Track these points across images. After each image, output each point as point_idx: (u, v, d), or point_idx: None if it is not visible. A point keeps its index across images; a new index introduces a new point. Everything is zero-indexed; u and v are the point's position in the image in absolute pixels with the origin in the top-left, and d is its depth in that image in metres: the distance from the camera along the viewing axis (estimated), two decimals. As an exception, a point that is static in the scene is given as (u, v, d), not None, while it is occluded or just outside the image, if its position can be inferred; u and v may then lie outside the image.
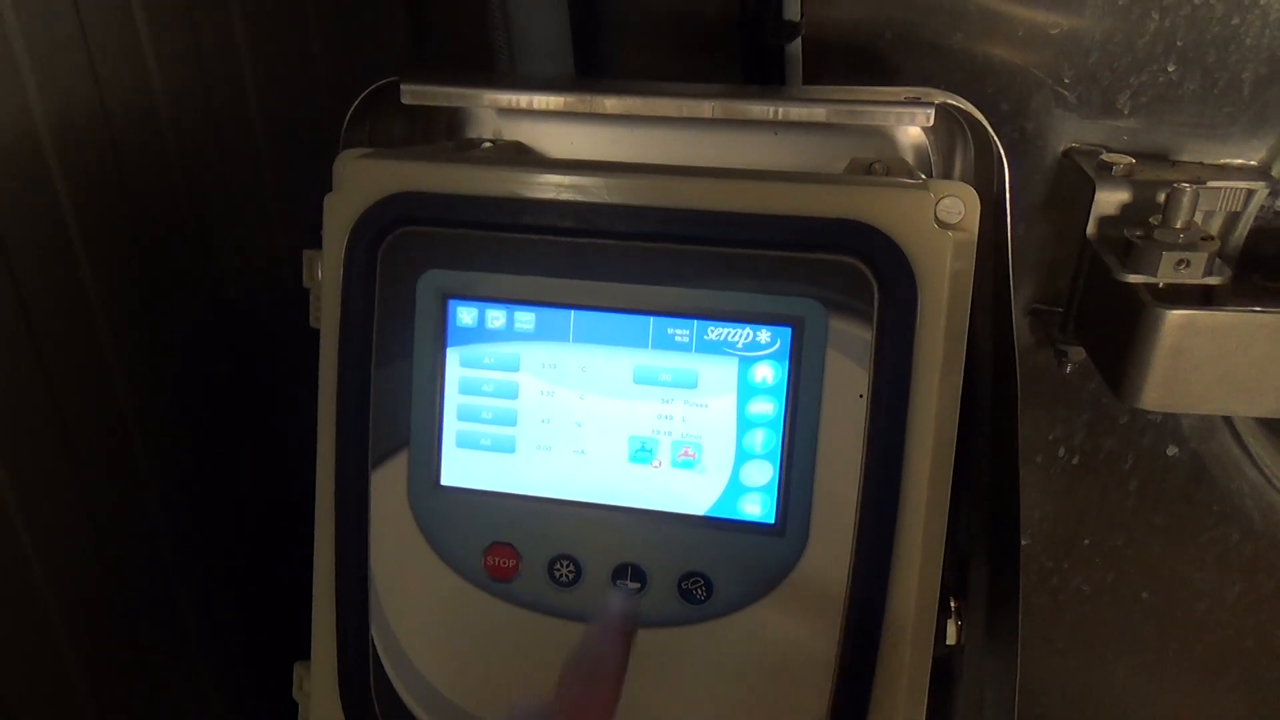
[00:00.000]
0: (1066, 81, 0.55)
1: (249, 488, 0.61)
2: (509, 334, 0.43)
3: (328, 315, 0.45)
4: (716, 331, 0.41)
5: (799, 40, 0.57)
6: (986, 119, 0.45)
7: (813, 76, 0.59)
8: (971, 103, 0.45)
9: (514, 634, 0.44)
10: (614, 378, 0.42)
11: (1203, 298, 0.50)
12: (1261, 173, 0.54)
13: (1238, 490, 0.63)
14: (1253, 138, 0.54)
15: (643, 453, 0.43)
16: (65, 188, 0.45)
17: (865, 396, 0.40)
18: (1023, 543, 0.66)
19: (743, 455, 0.42)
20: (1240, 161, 0.55)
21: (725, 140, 0.51)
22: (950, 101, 0.45)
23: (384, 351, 0.44)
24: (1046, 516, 0.67)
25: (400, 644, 0.45)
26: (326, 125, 0.60)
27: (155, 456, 0.53)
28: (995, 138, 0.44)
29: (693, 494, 0.42)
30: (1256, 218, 0.55)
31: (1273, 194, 0.55)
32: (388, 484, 0.44)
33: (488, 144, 0.52)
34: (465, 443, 0.44)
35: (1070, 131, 0.56)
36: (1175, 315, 0.48)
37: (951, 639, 0.49)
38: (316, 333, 0.46)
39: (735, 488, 0.42)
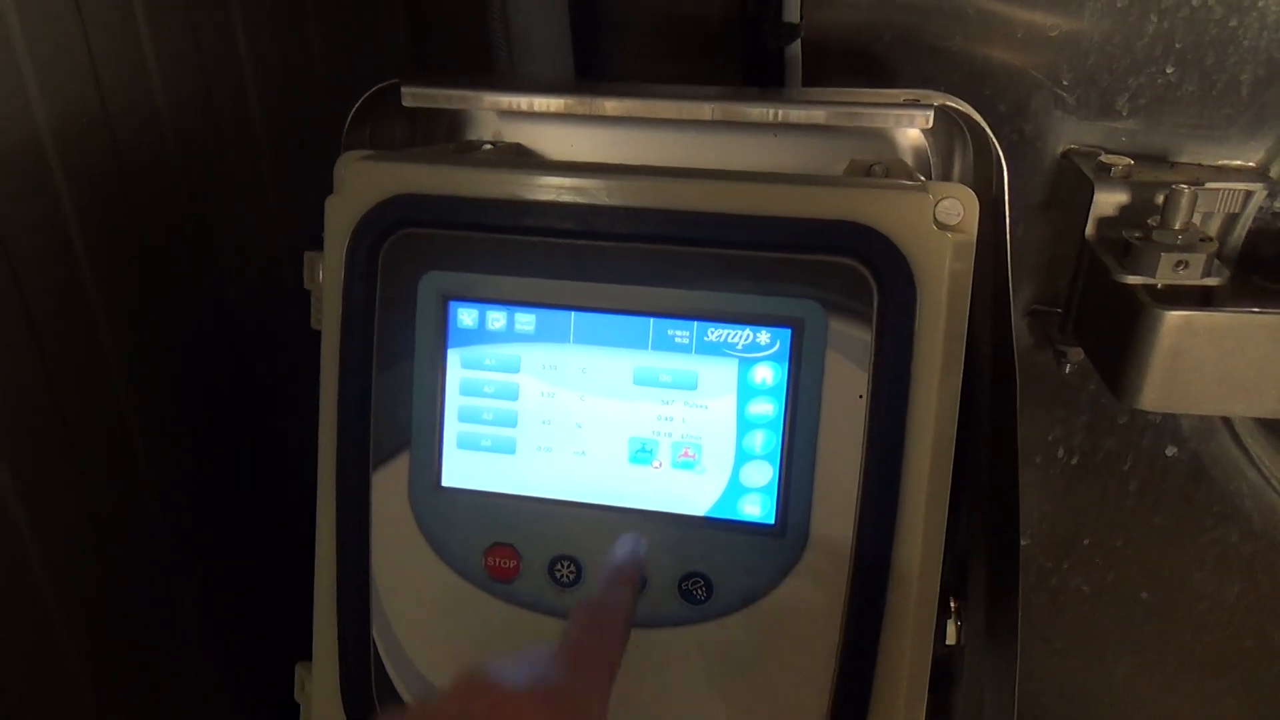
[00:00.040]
0: (1065, 83, 0.55)
1: (250, 489, 0.61)
2: (510, 335, 0.43)
3: (329, 317, 0.45)
4: (716, 333, 0.41)
5: (798, 42, 0.58)
6: (985, 121, 0.45)
7: (812, 79, 0.59)
8: (970, 105, 0.45)
9: (515, 634, 0.44)
10: (614, 379, 0.42)
11: (1202, 299, 0.50)
12: (1260, 174, 0.54)
13: (1237, 491, 0.63)
14: (1251, 139, 0.54)
15: (643, 453, 0.43)
16: (66, 189, 0.46)
17: (865, 397, 0.40)
18: (1022, 543, 0.66)
19: (743, 456, 0.42)
20: (1238, 163, 0.55)
21: (725, 142, 0.51)
22: (949, 103, 0.45)
23: (385, 353, 0.44)
24: (1046, 517, 0.67)
25: (401, 644, 0.46)
26: (327, 127, 0.60)
27: (156, 457, 0.53)
28: (994, 139, 0.45)
29: (693, 495, 0.42)
30: (1255, 219, 0.55)
31: (1271, 195, 0.55)
32: (389, 485, 0.45)
33: (488, 146, 0.52)
34: (466, 444, 0.44)
35: (1069, 133, 0.57)
36: (1174, 316, 0.48)
37: (951, 639, 0.49)
38: (318, 334, 0.46)
39: (735, 488, 0.42)
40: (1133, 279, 0.50)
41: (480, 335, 0.44)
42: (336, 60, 0.64)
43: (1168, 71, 0.54)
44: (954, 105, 0.45)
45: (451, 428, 0.44)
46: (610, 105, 0.48)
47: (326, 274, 0.45)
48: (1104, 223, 0.53)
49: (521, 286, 0.43)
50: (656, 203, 0.41)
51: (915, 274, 0.39)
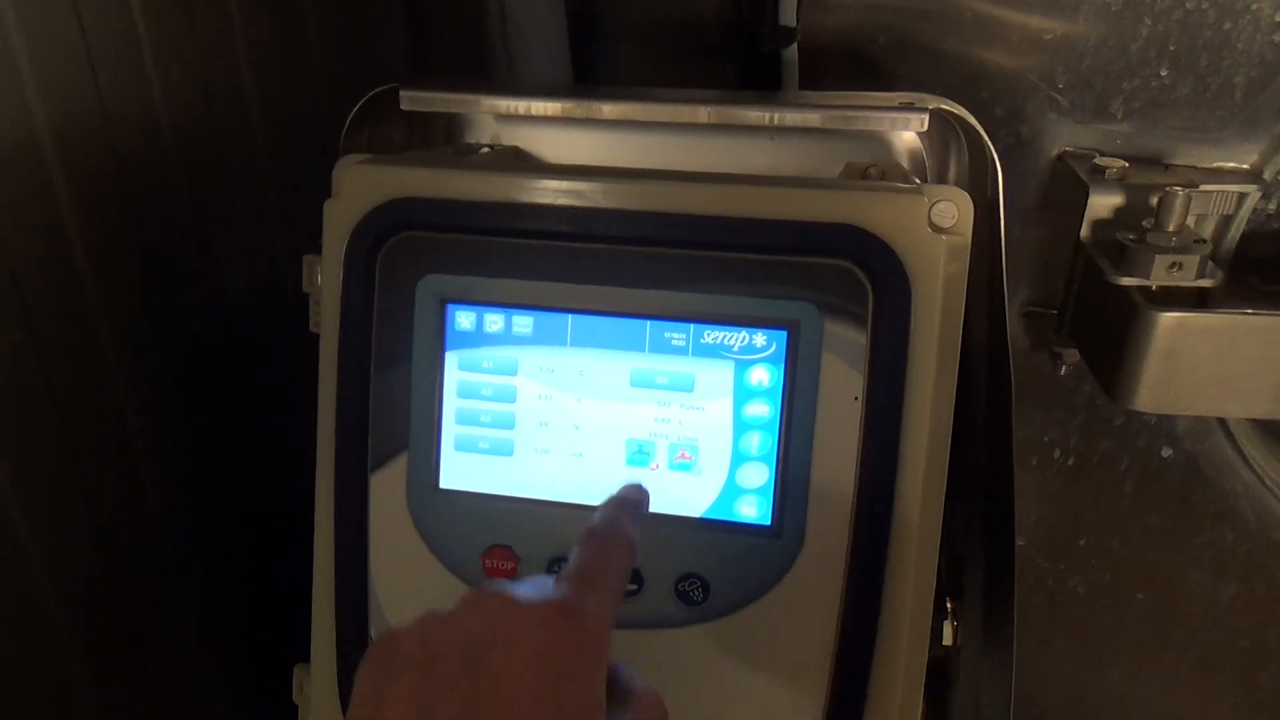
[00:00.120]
0: (1060, 86, 0.56)
1: (249, 490, 0.62)
2: (507, 338, 0.43)
3: (327, 320, 0.45)
4: (713, 335, 0.42)
5: (795, 46, 0.58)
6: (981, 123, 0.45)
7: (809, 82, 0.59)
8: (966, 107, 0.46)
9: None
10: (611, 381, 0.43)
11: (1196, 300, 0.50)
12: (1254, 176, 0.55)
13: (1232, 491, 0.63)
14: (1245, 141, 0.54)
15: (640, 455, 0.43)
16: (66, 192, 0.46)
17: (860, 399, 0.40)
18: (1019, 544, 0.66)
19: (739, 458, 0.42)
20: (1233, 165, 0.55)
21: (722, 145, 0.51)
22: (944, 106, 0.45)
23: (383, 355, 0.44)
24: (1042, 518, 0.67)
25: (400, 646, 0.46)
26: (326, 129, 0.60)
27: (156, 459, 0.53)
28: (989, 142, 0.45)
29: (689, 496, 0.43)
30: (1251, 220, 0.55)
31: (1265, 197, 0.56)
32: (387, 487, 0.45)
33: (486, 149, 0.53)
34: (464, 446, 0.44)
35: (1064, 136, 0.57)
36: (1168, 318, 0.48)
37: (948, 640, 0.49)
38: (316, 337, 0.47)
39: (731, 490, 0.42)
40: (1127, 280, 0.50)
41: (478, 338, 0.44)
42: (335, 63, 0.64)
43: (1162, 74, 0.54)
44: (949, 108, 0.45)
45: (449, 430, 0.44)
46: (607, 109, 0.48)
47: (325, 277, 0.45)
48: (1099, 225, 0.53)
49: (519, 289, 0.43)
50: (653, 206, 0.42)
51: (910, 276, 0.40)
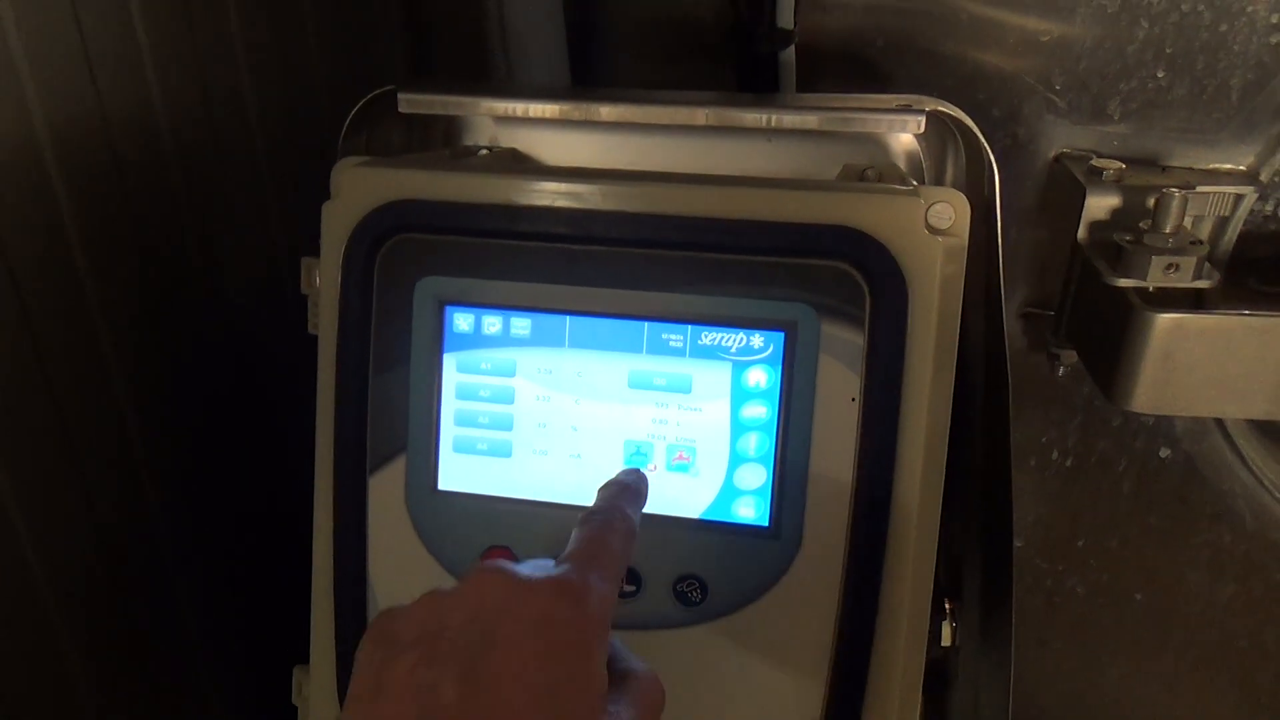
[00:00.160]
0: (1057, 88, 0.56)
1: (249, 491, 0.62)
2: (505, 340, 0.44)
3: (326, 322, 0.45)
4: (710, 336, 0.42)
5: (792, 48, 0.58)
6: (978, 125, 0.45)
7: (806, 83, 0.59)
8: (964, 109, 0.46)
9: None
10: (609, 382, 0.43)
11: (1193, 301, 0.51)
12: (1250, 178, 0.55)
13: (1230, 491, 0.63)
14: (1241, 143, 0.55)
15: (638, 456, 0.43)
16: (65, 194, 0.46)
17: (857, 400, 0.41)
18: (1017, 545, 0.67)
19: (736, 459, 0.42)
20: (1229, 166, 0.55)
21: (719, 147, 0.51)
22: (941, 108, 0.45)
23: (381, 357, 0.44)
24: (1041, 519, 0.67)
25: (398, 647, 0.46)
26: (325, 132, 0.61)
27: (156, 460, 0.53)
28: (985, 144, 0.45)
29: (687, 497, 0.43)
30: (1247, 222, 0.56)
31: (1262, 198, 0.56)
32: (385, 489, 0.45)
33: (484, 151, 0.53)
34: (462, 447, 0.44)
35: (1061, 137, 0.57)
36: (1165, 319, 0.48)
37: (946, 640, 0.49)
38: (315, 339, 0.47)
39: (729, 491, 0.43)
40: (1124, 282, 0.50)
41: (476, 340, 0.44)
42: (334, 65, 0.64)
43: (1158, 76, 0.54)
44: (945, 110, 0.45)
45: (447, 431, 0.44)
46: (605, 111, 0.48)
47: (323, 279, 0.45)
48: (1096, 226, 0.54)
49: (517, 291, 0.43)
50: (651, 208, 0.42)
51: (907, 277, 0.40)
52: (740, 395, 0.42)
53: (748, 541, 0.42)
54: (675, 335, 0.42)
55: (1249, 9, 0.52)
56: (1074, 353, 0.58)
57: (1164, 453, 0.63)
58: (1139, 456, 0.64)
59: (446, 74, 0.70)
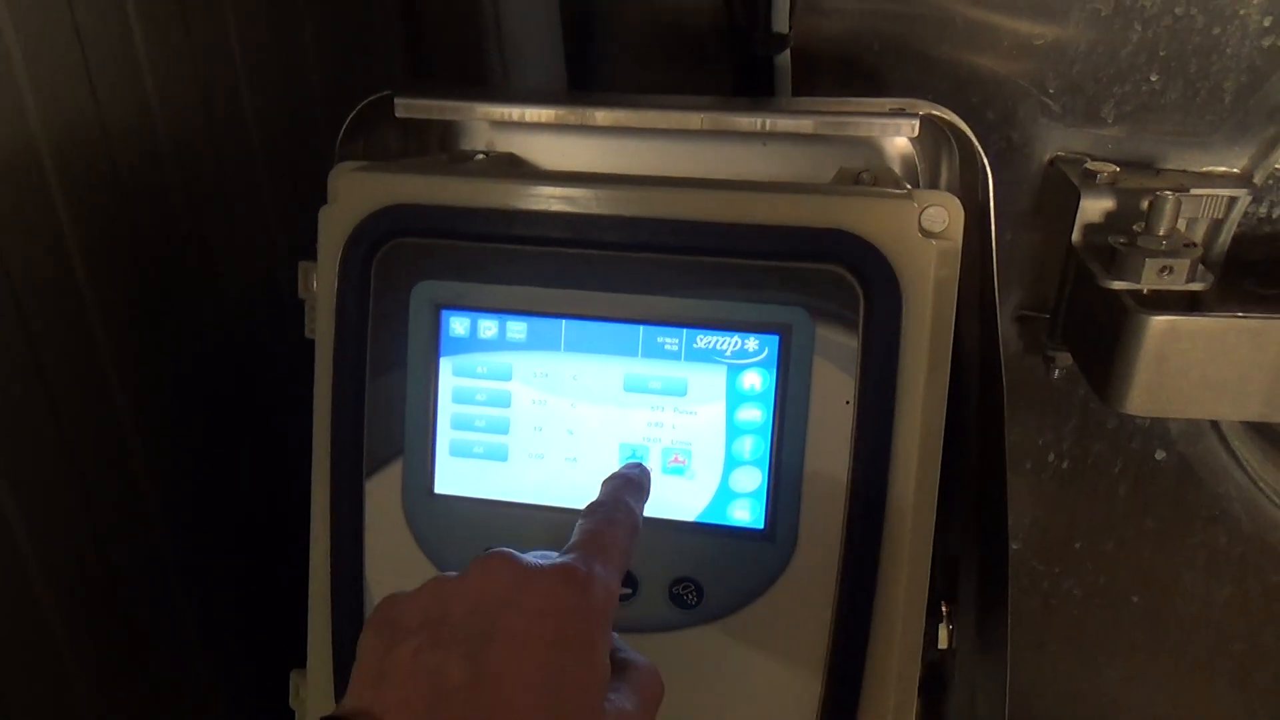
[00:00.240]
0: (1051, 91, 0.56)
1: (247, 495, 0.62)
2: (501, 343, 0.44)
3: (323, 326, 0.45)
4: (705, 340, 0.42)
5: (788, 52, 0.58)
6: (972, 128, 0.46)
7: (802, 87, 0.60)
8: (959, 112, 0.46)
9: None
10: (605, 386, 0.43)
11: (1187, 304, 0.51)
12: (1244, 180, 0.55)
13: (1225, 493, 0.63)
14: (1235, 145, 0.55)
15: (634, 459, 0.43)
16: (63, 199, 0.46)
17: (852, 403, 0.41)
18: (1014, 547, 0.67)
19: (732, 462, 0.42)
20: (1223, 169, 0.55)
21: (715, 151, 0.51)
22: (935, 112, 0.46)
23: (378, 361, 0.44)
24: (1037, 521, 0.67)
25: (395, 650, 0.46)
26: (322, 136, 0.61)
27: (154, 464, 0.53)
28: (979, 147, 0.45)
29: (683, 500, 0.43)
30: (1242, 224, 0.56)
31: (1256, 201, 0.56)
32: (382, 492, 0.45)
33: (481, 156, 0.53)
34: (459, 451, 0.45)
35: (1056, 140, 0.57)
36: (1159, 321, 0.48)
37: (943, 643, 0.49)
38: (312, 343, 0.47)
39: (725, 494, 0.43)
40: (1118, 284, 0.50)
41: (472, 343, 0.44)
42: (331, 70, 0.64)
43: (1152, 79, 0.54)
44: (939, 114, 0.46)
45: (444, 435, 0.45)
46: (601, 115, 0.49)
47: (320, 283, 0.45)
48: (1090, 229, 0.54)
49: (513, 295, 0.43)
50: (647, 212, 0.42)
51: (901, 281, 0.40)
52: (735, 398, 0.42)
53: (743, 544, 0.42)
54: (670, 339, 0.42)
55: (1241, 12, 0.52)
56: (1069, 355, 0.58)
57: (1159, 455, 0.63)
58: (1134, 459, 0.64)
59: (443, 78, 0.70)
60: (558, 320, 0.43)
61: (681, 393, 0.42)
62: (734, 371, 0.42)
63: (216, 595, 0.60)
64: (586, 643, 0.30)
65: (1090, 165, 0.55)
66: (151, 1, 0.50)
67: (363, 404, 0.45)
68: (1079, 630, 0.70)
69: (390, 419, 0.44)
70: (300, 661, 0.49)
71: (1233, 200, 0.54)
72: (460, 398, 0.44)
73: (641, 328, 0.42)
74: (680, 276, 0.42)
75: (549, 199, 0.42)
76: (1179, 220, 0.50)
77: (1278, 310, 0.49)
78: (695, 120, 0.48)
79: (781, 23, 0.57)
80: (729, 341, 0.42)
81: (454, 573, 0.32)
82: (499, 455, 0.44)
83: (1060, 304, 0.58)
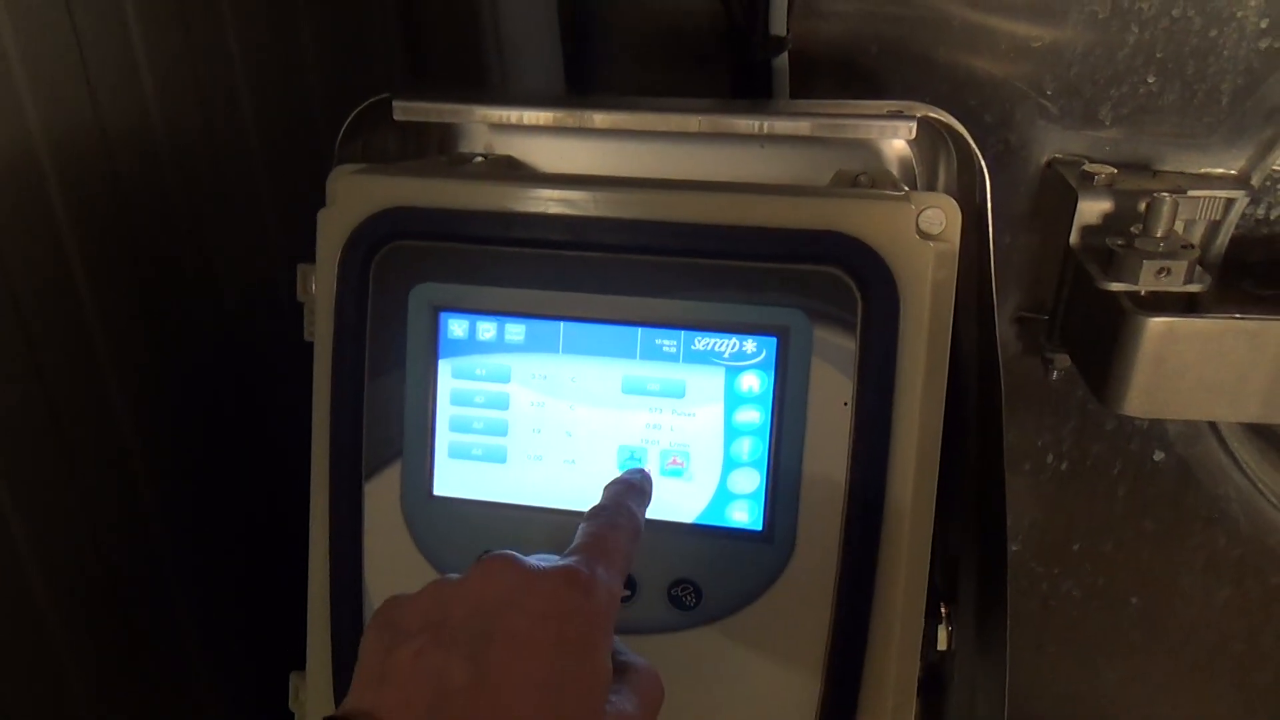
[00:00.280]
0: (1049, 93, 0.56)
1: (246, 498, 0.62)
2: (500, 346, 0.44)
3: (321, 328, 0.46)
4: (703, 342, 0.42)
5: (785, 54, 0.58)
6: (970, 131, 0.46)
7: (800, 90, 0.60)
8: (956, 115, 0.46)
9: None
10: (603, 388, 0.43)
11: (1185, 305, 0.51)
12: (1241, 182, 0.55)
13: (1224, 495, 0.63)
14: (1232, 147, 0.55)
15: (632, 461, 0.43)
16: (62, 203, 0.46)
17: (850, 404, 0.41)
18: (1013, 549, 0.67)
19: (730, 463, 0.42)
20: (1220, 171, 0.56)
21: (713, 154, 0.51)
22: (932, 114, 0.46)
23: (377, 364, 0.44)
24: (1036, 522, 0.67)
25: (394, 653, 0.46)
26: (321, 139, 0.61)
27: (153, 467, 0.53)
28: (976, 149, 0.45)
29: (681, 502, 0.43)
30: (1240, 225, 0.56)
31: (1254, 202, 0.56)
32: (381, 495, 0.45)
33: (479, 159, 0.53)
34: (457, 453, 0.45)
35: (1053, 142, 0.57)
36: (1156, 323, 0.48)
37: (942, 645, 0.49)
38: (311, 345, 0.47)
39: (723, 495, 0.43)
40: (1116, 286, 0.50)
41: (471, 346, 0.44)
42: (330, 73, 0.64)
43: (1149, 81, 0.55)
44: (936, 116, 0.46)
45: (443, 437, 0.45)
46: (599, 118, 0.49)
47: (319, 286, 0.46)
48: (1088, 231, 0.54)
49: (511, 297, 0.43)
50: (645, 214, 0.42)
51: (898, 282, 0.40)
52: (733, 400, 0.42)
53: (742, 545, 0.42)
54: (669, 341, 0.42)
55: (1238, 14, 0.52)
56: (1067, 357, 0.58)
57: (1158, 456, 0.63)
58: (1133, 460, 0.64)
59: (442, 81, 0.70)
60: (556, 322, 0.43)
61: (680, 395, 0.42)
62: (732, 373, 0.42)
63: (216, 597, 0.60)
64: (588, 645, 0.30)
65: (1088, 167, 0.55)
66: (150, 4, 0.50)
67: (361, 406, 0.45)
68: (1078, 631, 0.70)
69: (389, 421, 0.45)
70: (300, 663, 0.49)
71: (1230, 202, 0.54)
72: (459, 400, 0.44)
73: (640, 330, 0.42)
74: (678, 279, 0.42)
75: (547, 201, 0.43)
76: (1176, 222, 0.50)
77: (1275, 311, 0.49)
78: (693, 123, 0.48)
79: (779, 25, 0.58)
80: (727, 343, 0.42)
81: (455, 575, 0.32)
82: (498, 457, 0.44)
83: (1058, 306, 0.58)
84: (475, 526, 0.45)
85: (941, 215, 0.41)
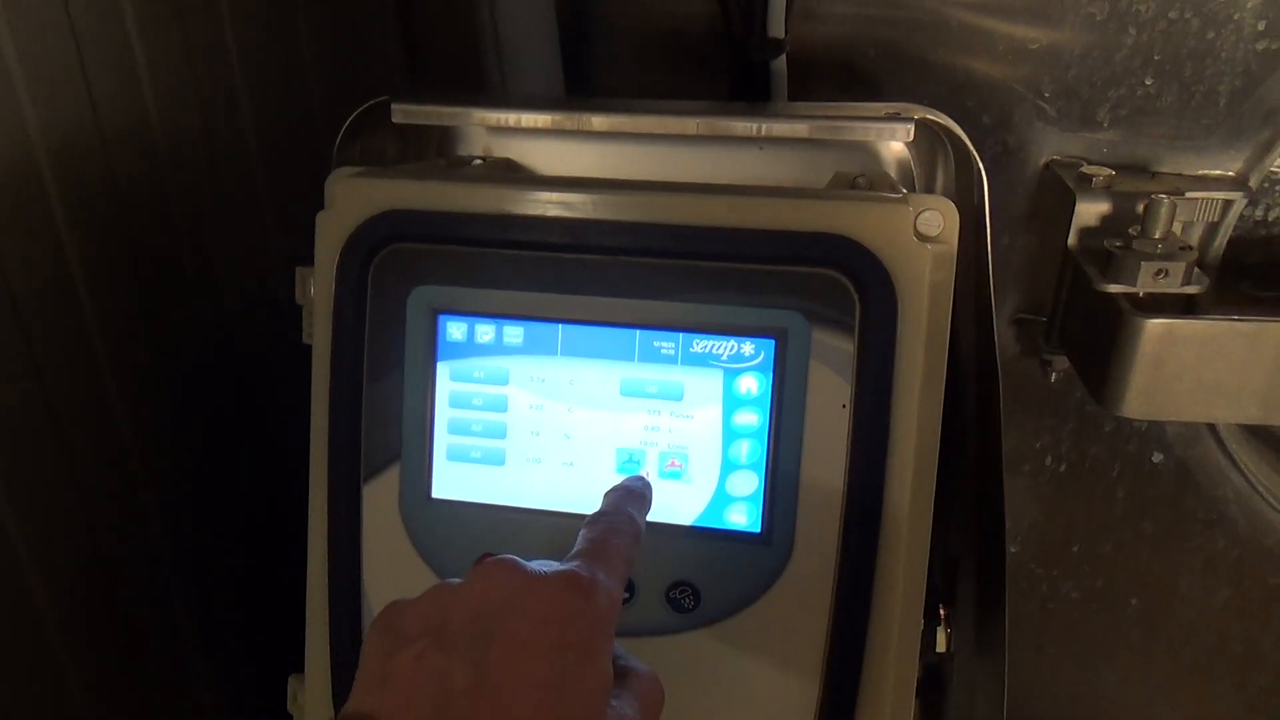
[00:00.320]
0: (1047, 95, 0.56)
1: (245, 501, 0.62)
2: (498, 348, 0.44)
3: (320, 331, 0.46)
4: (702, 344, 0.42)
5: (783, 57, 0.58)
6: (968, 133, 0.46)
7: (799, 92, 0.60)
8: (954, 117, 0.46)
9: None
10: (601, 390, 0.43)
11: (1183, 307, 0.51)
12: (1239, 183, 0.55)
13: (1223, 496, 0.63)
14: (1229, 149, 0.55)
15: (630, 464, 0.43)
16: (61, 207, 0.46)
17: (848, 406, 0.41)
18: (1012, 550, 0.67)
19: (728, 466, 0.42)
20: (1218, 172, 0.56)
21: (711, 156, 0.51)
22: (930, 117, 0.46)
23: (375, 366, 0.44)
24: (1035, 524, 0.67)
25: (393, 655, 0.46)
26: (321, 142, 0.61)
27: (152, 470, 0.53)
28: (974, 151, 0.45)
29: (680, 504, 0.43)
30: (1238, 227, 0.56)
31: (1252, 204, 0.56)
32: (380, 497, 0.45)
33: (478, 161, 0.53)
34: (456, 456, 0.45)
35: (1051, 144, 0.57)
36: (1154, 324, 0.48)
37: (941, 646, 0.49)
38: (309, 348, 0.47)
39: (721, 498, 0.43)
40: (1114, 288, 0.50)
41: (469, 348, 0.44)
42: (330, 76, 0.65)
43: (1147, 83, 0.55)
44: (934, 118, 0.46)
45: (441, 440, 0.45)
46: (597, 121, 0.49)
47: (317, 289, 0.46)
48: (1086, 232, 0.54)
49: (510, 300, 0.43)
50: (643, 217, 0.42)
51: (896, 285, 0.40)
52: (732, 402, 0.42)
53: (740, 548, 0.42)
54: (667, 343, 0.42)
55: (1236, 16, 0.52)
56: (1066, 358, 0.58)
57: (1157, 458, 0.63)
58: (1132, 461, 0.64)
59: (441, 83, 0.70)
60: (554, 325, 0.43)
61: (678, 397, 0.42)
62: (730, 376, 0.42)
63: (215, 599, 0.60)
64: (590, 649, 0.30)
65: (1086, 169, 0.55)
66: (149, 7, 0.50)
67: (360, 409, 0.45)
68: (1077, 633, 0.70)
69: (387, 424, 0.45)
70: (298, 666, 0.49)
71: (1228, 203, 0.54)
72: (457, 402, 0.44)
73: (638, 332, 0.42)
74: (676, 281, 0.42)
75: (546, 204, 0.43)
76: (1174, 223, 0.50)
77: (1273, 313, 0.49)
78: (691, 125, 0.48)
79: (777, 28, 0.58)
80: (725, 346, 0.42)
81: (456, 579, 0.32)
82: (496, 460, 0.44)
83: (1057, 307, 0.58)
84: (474, 529, 0.45)
85: (939, 217, 0.41)
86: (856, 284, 0.40)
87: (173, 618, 0.57)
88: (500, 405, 0.44)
